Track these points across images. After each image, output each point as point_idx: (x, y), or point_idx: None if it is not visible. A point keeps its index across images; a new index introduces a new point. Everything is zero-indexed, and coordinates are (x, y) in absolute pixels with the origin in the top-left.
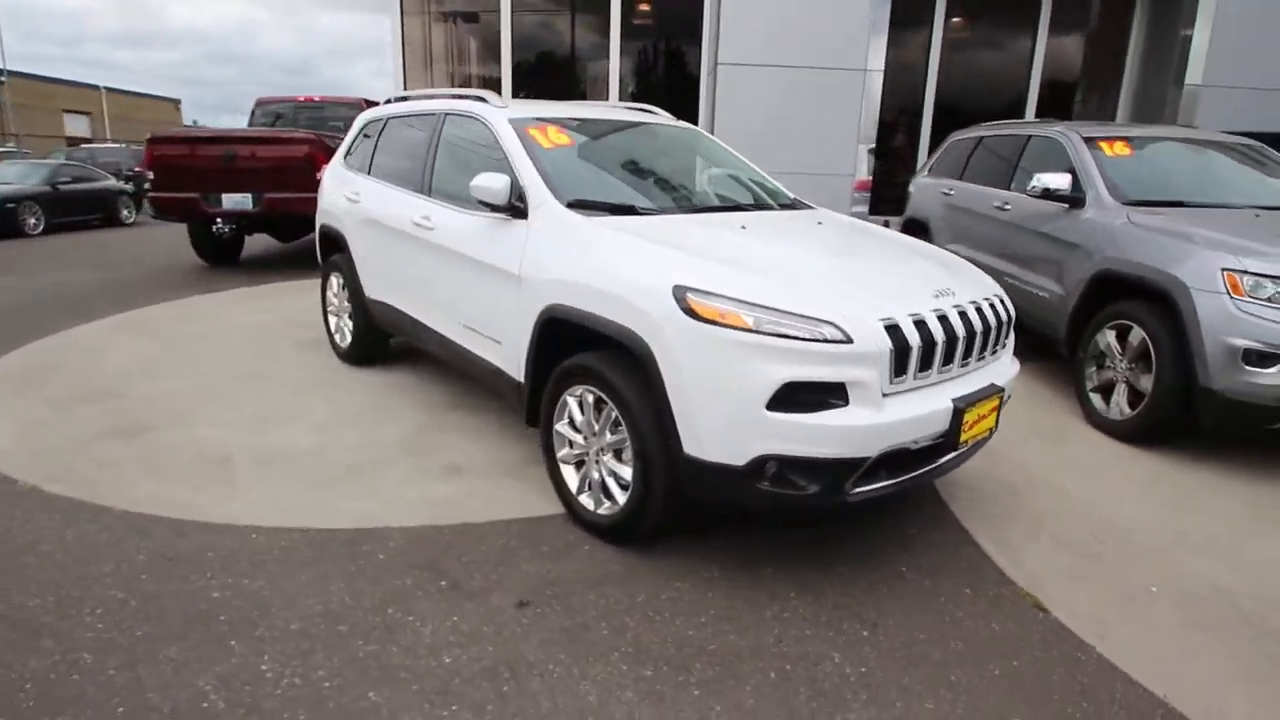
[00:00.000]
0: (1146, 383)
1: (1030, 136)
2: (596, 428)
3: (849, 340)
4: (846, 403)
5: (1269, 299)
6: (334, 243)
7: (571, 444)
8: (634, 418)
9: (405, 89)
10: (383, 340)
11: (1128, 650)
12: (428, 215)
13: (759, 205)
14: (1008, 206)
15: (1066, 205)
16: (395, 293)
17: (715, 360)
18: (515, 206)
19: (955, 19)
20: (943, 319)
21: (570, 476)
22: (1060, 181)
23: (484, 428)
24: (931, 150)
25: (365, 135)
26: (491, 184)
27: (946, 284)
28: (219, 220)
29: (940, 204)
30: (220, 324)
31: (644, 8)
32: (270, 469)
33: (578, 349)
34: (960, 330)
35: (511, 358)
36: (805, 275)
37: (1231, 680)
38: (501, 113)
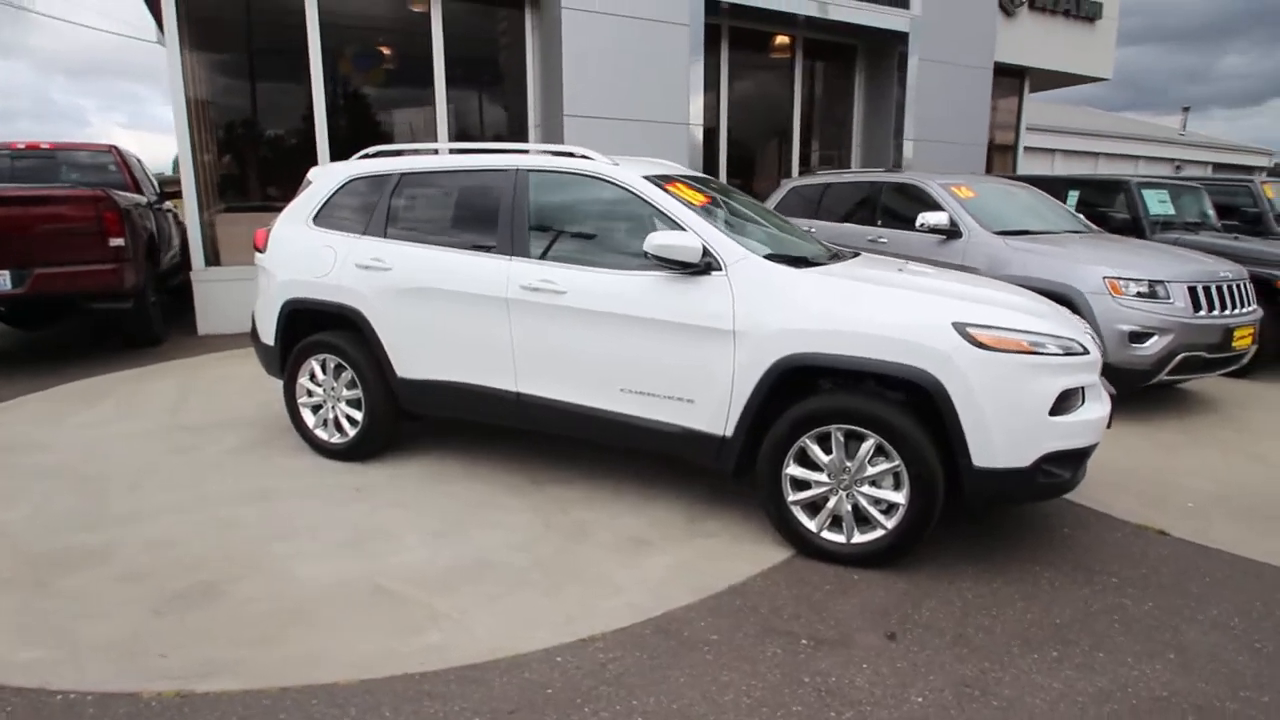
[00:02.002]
0: None
1: (884, 183)
2: (851, 463)
3: (1087, 353)
4: (1084, 402)
5: (1135, 295)
6: (327, 320)
7: (806, 485)
8: (913, 443)
9: (191, 139)
10: (396, 427)
11: (1231, 544)
12: (548, 278)
13: (848, 254)
14: (883, 240)
15: (944, 237)
16: (468, 368)
17: (1007, 381)
18: (707, 263)
19: (736, 83)
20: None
21: (803, 517)
22: (941, 219)
23: (601, 496)
24: None
25: (349, 193)
26: (683, 242)
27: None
28: None
29: None
30: (85, 443)
31: (465, 61)
32: (453, 592)
33: (789, 394)
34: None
35: (711, 414)
36: (1014, 305)
37: None
38: (629, 171)
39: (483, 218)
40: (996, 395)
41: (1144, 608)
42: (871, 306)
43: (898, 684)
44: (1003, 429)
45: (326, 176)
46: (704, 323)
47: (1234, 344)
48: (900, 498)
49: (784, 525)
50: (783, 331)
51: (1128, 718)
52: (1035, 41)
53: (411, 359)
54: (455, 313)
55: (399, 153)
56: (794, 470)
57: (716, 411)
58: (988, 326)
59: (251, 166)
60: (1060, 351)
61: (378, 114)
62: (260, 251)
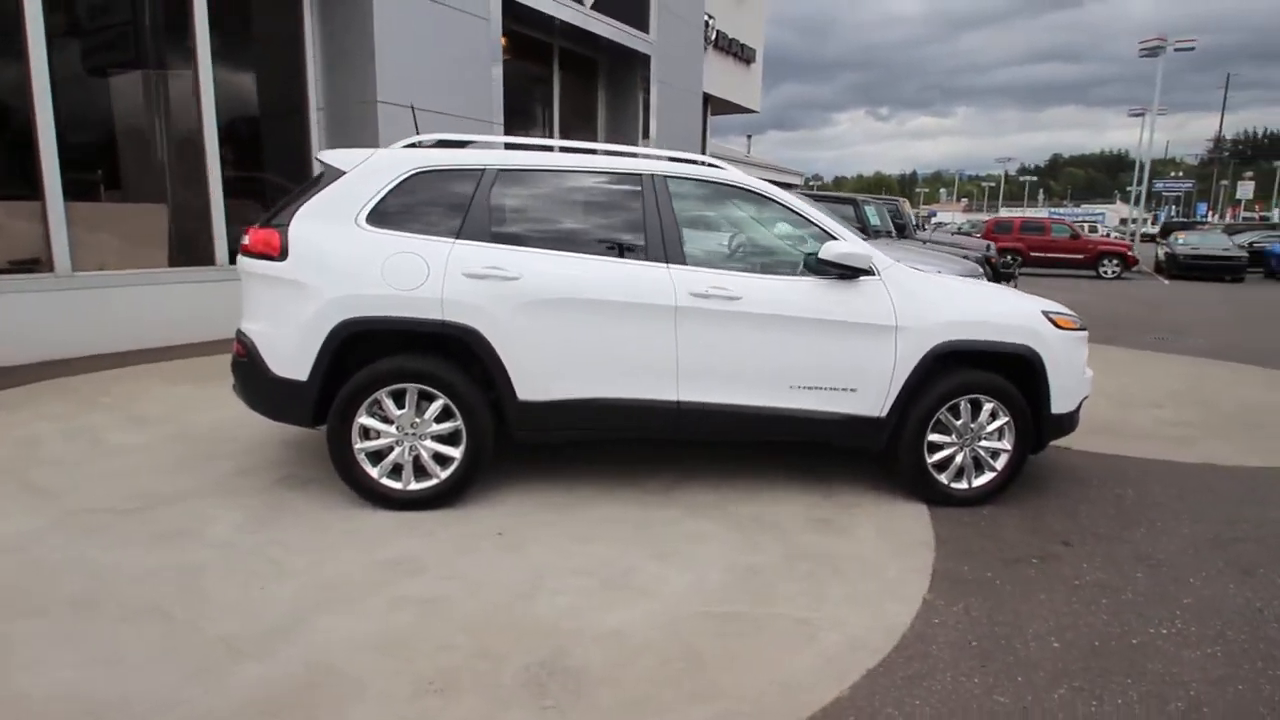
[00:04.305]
0: None
1: None
2: (975, 424)
3: (1086, 329)
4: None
5: None
6: (403, 342)
7: (938, 447)
8: (1019, 403)
9: None
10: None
11: (1114, 450)
12: (720, 285)
13: None
14: None
15: None
16: (621, 381)
17: (1073, 351)
18: (867, 269)
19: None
20: None
21: (937, 475)
22: None
23: (727, 493)
24: None
25: (416, 189)
26: (857, 251)
27: None
28: None
29: None
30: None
31: (227, 28)
32: (775, 600)
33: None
34: None
35: (872, 399)
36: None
37: (1171, 446)
38: (767, 183)
39: (617, 222)
40: (1069, 360)
41: (1130, 495)
42: (994, 303)
43: (1116, 572)
44: (1069, 385)
45: (374, 166)
46: (871, 320)
47: None
48: (1007, 445)
49: (922, 481)
50: (940, 324)
51: (1256, 552)
52: (716, 75)
53: (543, 378)
54: (608, 323)
55: (462, 143)
56: (931, 436)
57: (877, 397)
58: (1058, 313)
59: None
60: (1082, 328)
61: (119, 84)
62: (269, 259)
